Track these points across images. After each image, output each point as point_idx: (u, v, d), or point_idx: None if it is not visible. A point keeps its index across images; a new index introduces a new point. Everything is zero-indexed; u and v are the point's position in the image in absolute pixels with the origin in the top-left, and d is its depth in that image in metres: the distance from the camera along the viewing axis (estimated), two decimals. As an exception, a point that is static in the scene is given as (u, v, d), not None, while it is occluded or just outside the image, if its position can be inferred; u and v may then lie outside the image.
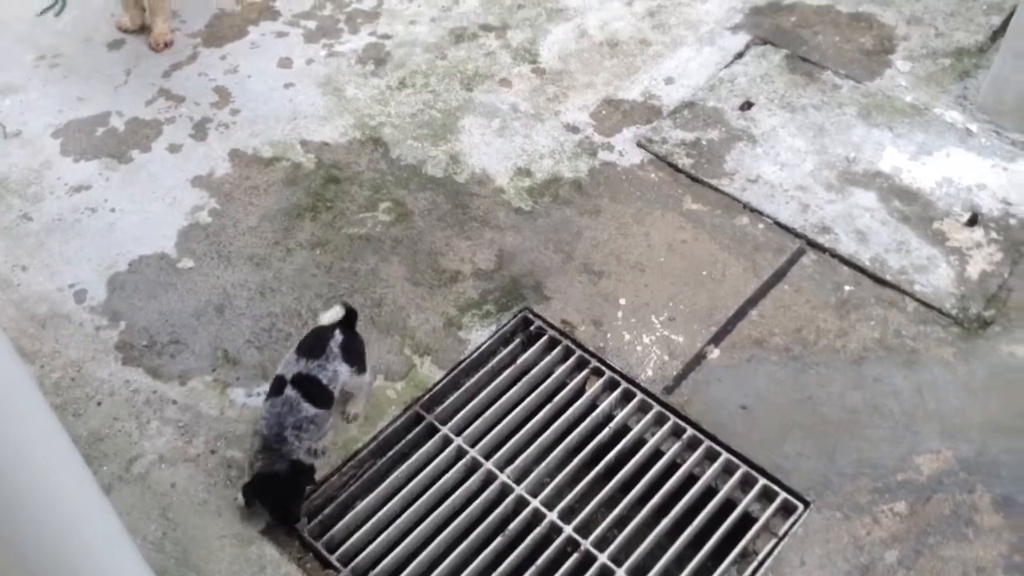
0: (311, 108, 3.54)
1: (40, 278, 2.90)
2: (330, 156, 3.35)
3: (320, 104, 3.55)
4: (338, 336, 2.46)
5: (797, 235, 3.06)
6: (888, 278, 2.93)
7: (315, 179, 3.27)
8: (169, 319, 2.82)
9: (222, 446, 2.53)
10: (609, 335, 2.81)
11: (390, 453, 2.56)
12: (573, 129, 3.47)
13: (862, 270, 2.96)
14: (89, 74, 3.65)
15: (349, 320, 2.52)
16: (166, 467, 2.47)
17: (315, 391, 2.38)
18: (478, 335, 2.82)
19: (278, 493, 2.31)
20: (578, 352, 2.77)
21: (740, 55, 3.73)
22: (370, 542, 2.39)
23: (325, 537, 2.38)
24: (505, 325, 2.84)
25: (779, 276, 2.96)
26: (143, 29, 3.80)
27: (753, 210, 3.14)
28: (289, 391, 2.36)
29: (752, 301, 2.89)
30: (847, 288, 2.92)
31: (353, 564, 2.33)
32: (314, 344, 2.44)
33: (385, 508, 2.45)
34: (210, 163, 3.31)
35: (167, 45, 3.74)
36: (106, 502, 1.27)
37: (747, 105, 3.50)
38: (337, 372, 2.42)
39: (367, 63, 3.73)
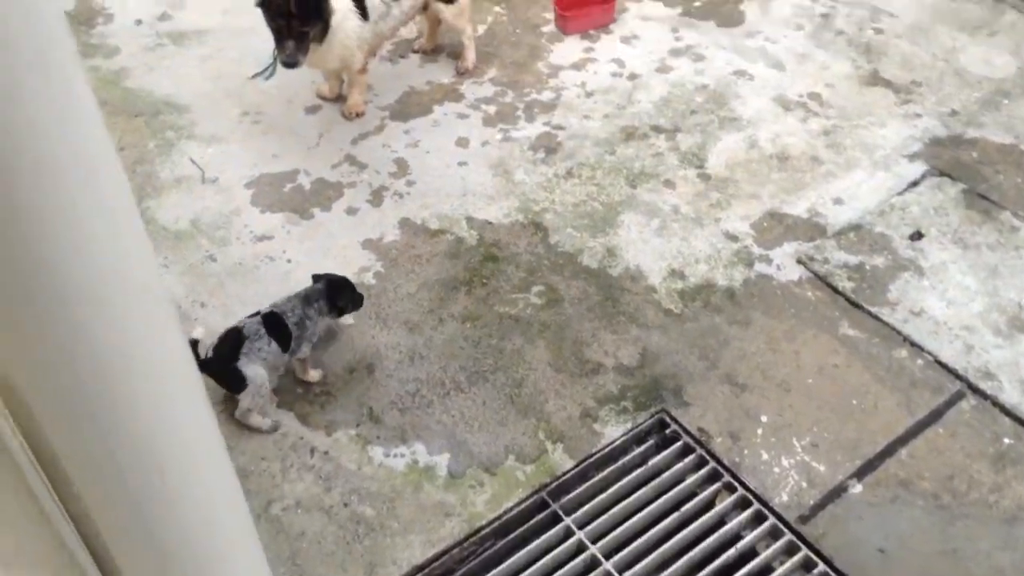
0: (480, 187, 3.70)
1: (216, 316, 3.12)
2: (492, 235, 3.49)
3: (489, 184, 3.71)
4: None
5: (958, 377, 2.94)
6: (1054, 436, 2.76)
7: (475, 255, 3.40)
8: (324, 369, 2.97)
9: (355, 500, 2.62)
10: (746, 451, 2.76)
11: (512, 535, 2.58)
12: (732, 237, 3.48)
13: (1025, 423, 2.81)
14: (285, 133, 3.96)
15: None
16: (301, 513, 2.58)
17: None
18: (613, 430, 2.83)
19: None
20: (712, 463, 2.73)
21: (915, 184, 3.66)
22: (481, 621, 2.41)
23: (439, 608, 2.42)
24: (641, 424, 2.84)
25: (934, 417, 2.84)
26: (339, 98, 4.10)
27: (913, 344, 3.04)
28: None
29: (903, 439, 2.78)
30: (1006, 440, 2.77)
31: (462, 640, 2.35)
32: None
33: (500, 590, 2.47)
34: (381, 228, 3.50)
35: (359, 115, 4.02)
36: (254, 532, 1.37)
37: (917, 235, 3.42)
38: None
39: (538, 151, 3.88)
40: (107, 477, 1.01)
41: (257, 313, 2.85)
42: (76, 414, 0.98)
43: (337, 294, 2.97)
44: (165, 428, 1.05)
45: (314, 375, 2.94)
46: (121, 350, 0.97)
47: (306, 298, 2.91)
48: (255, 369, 2.74)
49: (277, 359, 2.82)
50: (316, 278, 3.01)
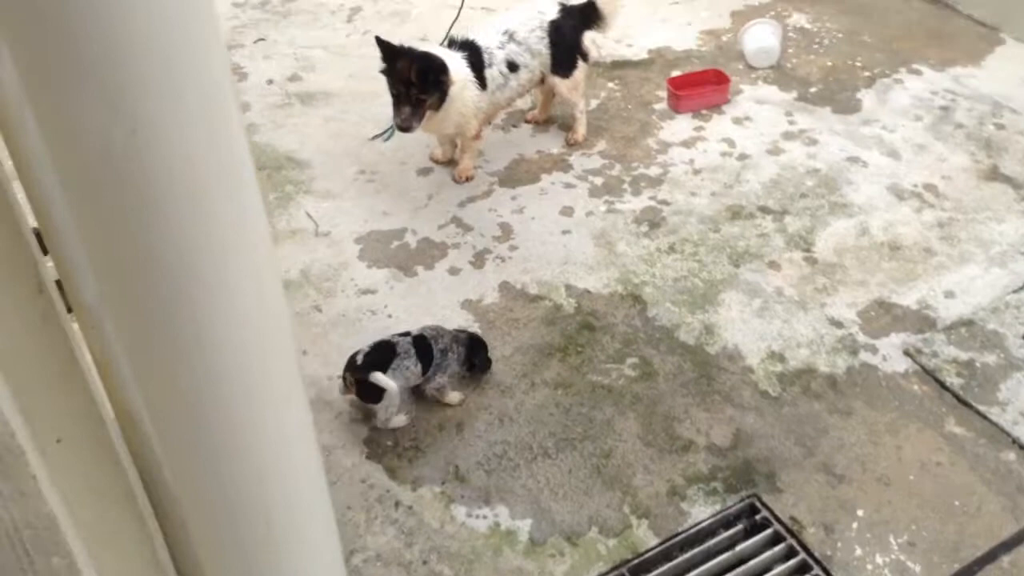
0: (581, 256, 3.73)
1: (315, 364, 3.22)
2: (589, 304, 3.50)
3: (590, 254, 3.74)
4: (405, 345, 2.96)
5: (1073, 487, 2.77)
6: None
7: (571, 323, 3.42)
8: (415, 425, 3.02)
9: (434, 559, 2.63)
10: (839, 544, 2.66)
11: (589, 609, 2.55)
12: (837, 324, 3.40)
13: None
14: (397, 193, 4.10)
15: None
16: (381, 566, 2.61)
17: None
18: (700, 511, 2.77)
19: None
20: (802, 554, 2.64)
21: (1033, 282, 3.52)
22: None
23: (510, 676, 2.38)
24: (730, 507, 2.77)
25: (1044, 527, 2.68)
26: (451, 162, 4.23)
27: (1022, 447, 2.89)
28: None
29: (1006, 545, 2.63)
30: None
31: None
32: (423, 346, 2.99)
33: (573, 663, 2.42)
34: (481, 290, 3.56)
35: (468, 179, 4.14)
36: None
37: (1034, 335, 3.28)
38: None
39: (642, 224, 3.90)
40: (217, 519, 1.06)
41: (407, 333, 3.02)
42: (197, 459, 1.04)
43: (476, 350, 3.11)
44: (278, 481, 1.10)
45: (401, 419, 3.01)
46: (249, 398, 1.03)
47: (455, 336, 3.08)
48: (393, 384, 2.88)
49: (415, 380, 2.97)
50: (460, 331, 3.17)
